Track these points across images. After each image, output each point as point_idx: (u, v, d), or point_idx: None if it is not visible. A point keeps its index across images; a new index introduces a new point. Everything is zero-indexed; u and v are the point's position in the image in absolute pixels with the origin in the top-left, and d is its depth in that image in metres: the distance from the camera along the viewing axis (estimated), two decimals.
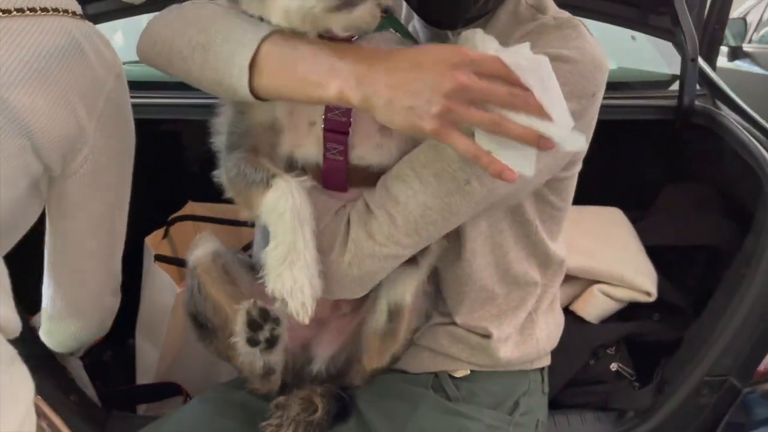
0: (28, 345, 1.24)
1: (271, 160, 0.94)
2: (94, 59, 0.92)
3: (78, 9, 0.93)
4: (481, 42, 0.82)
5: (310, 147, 0.93)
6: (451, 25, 0.98)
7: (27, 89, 0.84)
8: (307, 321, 0.87)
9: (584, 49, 0.91)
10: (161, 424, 1.09)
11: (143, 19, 2.56)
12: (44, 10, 0.87)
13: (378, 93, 0.78)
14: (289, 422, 1.03)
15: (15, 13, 0.85)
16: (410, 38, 0.98)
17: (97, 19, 1.62)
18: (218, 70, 0.88)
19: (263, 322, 0.96)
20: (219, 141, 0.99)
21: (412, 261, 0.98)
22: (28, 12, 0.86)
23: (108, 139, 0.98)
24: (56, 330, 1.13)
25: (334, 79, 0.81)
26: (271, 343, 0.98)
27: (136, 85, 1.64)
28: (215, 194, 1.04)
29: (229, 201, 1.03)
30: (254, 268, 1.10)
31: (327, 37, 0.86)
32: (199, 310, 1.07)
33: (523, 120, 0.75)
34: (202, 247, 1.09)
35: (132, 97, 1.56)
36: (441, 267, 1.08)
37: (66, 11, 0.90)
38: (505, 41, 0.85)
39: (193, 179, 2.03)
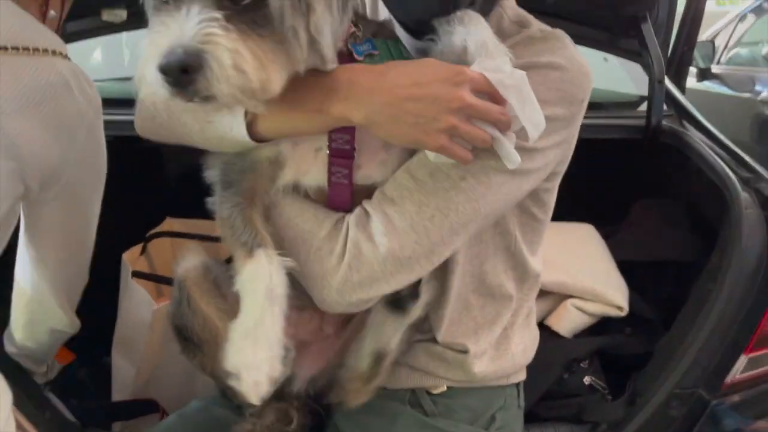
0: (2, 362, 1.24)
1: (261, 216, 0.94)
2: (78, 95, 1.05)
3: (65, 50, 1.07)
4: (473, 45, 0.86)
5: (315, 173, 0.93)
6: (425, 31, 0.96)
7: (22, 118, 0.96)
8: (256, 401, 0.86)
9: (572, 57, 0.94)
10: None
11: (123, 37, 2.56)
12: (37, 50, 1.00)
13: (382, 111, 0.81)
14: (262, 430, 1.03)
15: (11, 51, 0.97)
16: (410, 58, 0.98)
17: (77, 36, 1.63)
18: (218, 128, 0.90)
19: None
20: (211, 175, 0.97)
21: (400, 308, 0.98)
22: (22, 51, 0.98)
23: (85, 169, 1.12)
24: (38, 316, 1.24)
25: (333, 102, 0.83)
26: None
27: (115, 103, 1.66)
28: (193, 210, 1.04)
29: (207, 217, 1.03)
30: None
31: None
32: (186, 324, 1.06)
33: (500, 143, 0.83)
34: (191, 259, 1.08)
35: (112, 113, 1.58)
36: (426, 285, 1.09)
37: (56, 52, 1.03)
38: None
39: (172, 195, 2.04)
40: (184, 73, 0.70)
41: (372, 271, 0.90)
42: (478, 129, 0.81)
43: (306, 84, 0.84)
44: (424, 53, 0.92)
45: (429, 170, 0.90)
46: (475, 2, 0.95)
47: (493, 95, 0.81)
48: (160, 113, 0.99)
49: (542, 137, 0.90)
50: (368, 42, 0.94)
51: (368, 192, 0.94)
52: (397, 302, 0.97)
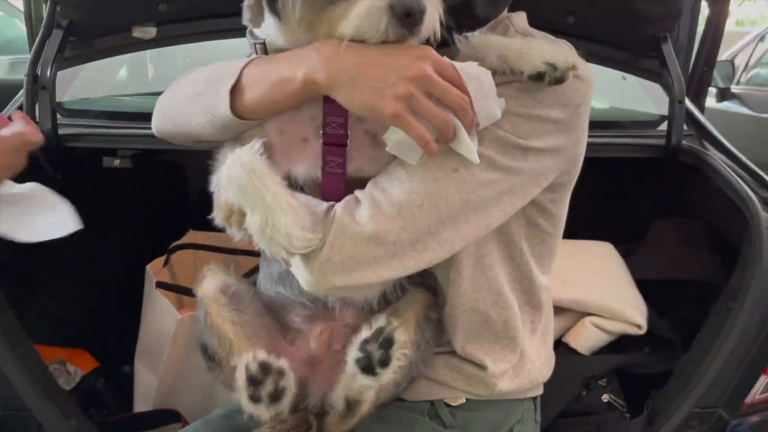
0: (31, 368, 1.27)
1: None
2: None
3: None
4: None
5: (306, 164, 0.94)
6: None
7: None
8: (300, 251, 0.87)
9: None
10: None
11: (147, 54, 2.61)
12: None
13: (344, 72, 0.84)
14: None
15: None
16: None
17: (108, 52, 1.68)
18: (209, 109, 0.94)
19: (264, 376, 0.96)
20: (214, 180, 0.98)
21: (370, 370, 0.97)
22: None
23: None
24: None
25: (301, 67, 0.86)
26: (275, 397, 0.97)
27: (140, 117, 1.71)
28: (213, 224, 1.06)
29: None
30: (263, 300, 1.13)
31: None
32: (206, 342, 1.08)
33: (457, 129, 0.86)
34: (211, 278, 1.11)
35: (137, 127, 1.62)
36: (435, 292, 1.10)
37: None
38: None
39: (194, 208, 2.07)
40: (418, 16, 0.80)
41: (354, 253, 0.89)
42: (435, 107, 0.83)
43: (280, 58, 0.90)
44: None
45: (420, 162, 0.90)
46: (472, 4, 0.98)
47: (455, 82, 0.84)
48: (169, 109, 1.04)
49: (536, 137, 0.93)
50: None
51: (361, 185, 0.94)
52: (369, 364, 0.97)
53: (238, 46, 2.29)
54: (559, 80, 0.91)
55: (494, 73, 0.90)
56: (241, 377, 0.97)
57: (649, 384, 1.47)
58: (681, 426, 1.31)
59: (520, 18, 1.07)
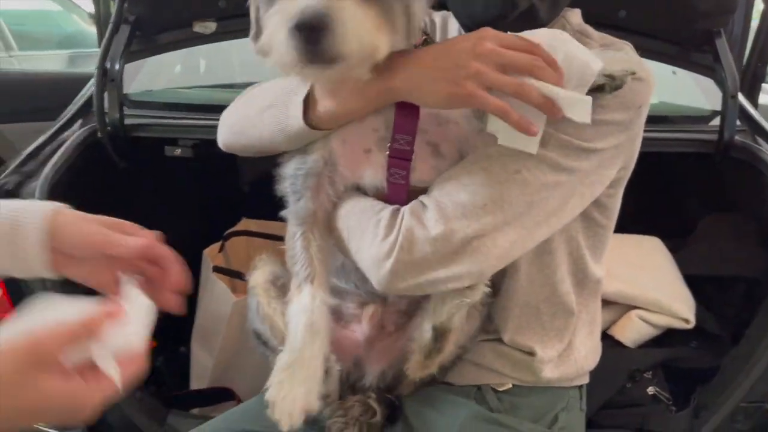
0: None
1: (317, 247, 1.00)
2: None
3: None
4: None
5: (370, 174, 0.98)
6: None
7: None
8: (285, 430, 0.93)
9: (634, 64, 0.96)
10: (223, 419, 1.17)
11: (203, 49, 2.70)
12: None
13: (416, 73, 0.87)
14: (354, 422, 1.08)
15: None
16: None
17: (171, 46, 1.76)
18: (281, 119, 0.98)
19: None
20: (283, 187, 1.04)
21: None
22: None
23: None
24: None
25: (375, 76, 0.88)
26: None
27: (199, 108, 1.78)
28: (267, 212, 1.10)
29: (280, 219, 1.09)
30: None
31: None
32: (259, 328, 1.14)
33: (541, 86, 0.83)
34: (261, 269, 1.16)
35: (196, 118, 1.70)
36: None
37: None
38: None
39: (247, 198, 2.15)
40: (312, 32, 0.77)
41: (424, 254, 0.91)
42: (506, 76, 0.83)
43: None
44: None
45: (482, 166, 0.92)
46: (535, 6, 0.99)
47: (521, 47, 0.84)
48: (237, 123, 1.09)
49: (599, 140, 0.94)
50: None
51: (424, 193, 0.97)
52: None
53: None
54: (618, 87, 0.92)
55: None
56: None
57: (696, 378, 1.48)
58: (727, 420, 1.32)
59: (576, 15, 1.09)
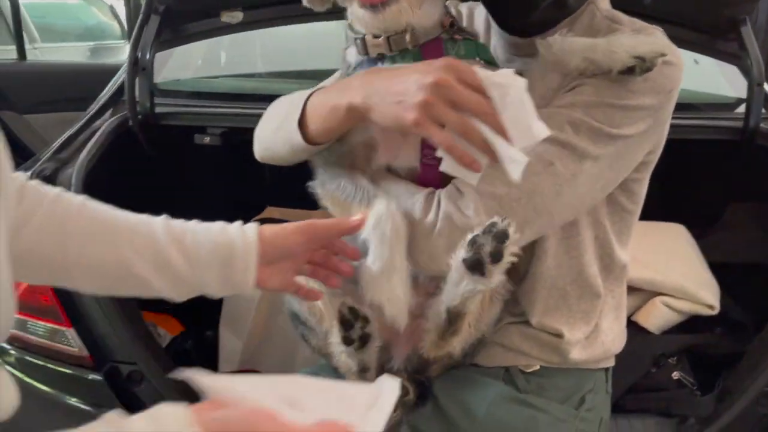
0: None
1: (368, 177, 1.03)
2: None
3: None
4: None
5: (405, 155, 1.02)
6: (525, 31, 1.06)
7: None
8: (402, 327, 0.99)
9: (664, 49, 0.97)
10: None
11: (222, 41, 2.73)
12: None
13: (375, 93, 0.89)
14: None
15: None
16: (494, 64, 1.06)
17: (199, 36, 1.79)
18: (287, 141, 1.03)
19: (354, 320, 1.02)
20: (316, 160, 1.08)
21: (478, 269, 0.95)
22: None
23: None
24: None
25: (345, 95, 0.93)
26: (364, 340, 1.04)
27: (223, 97, 1.82)
28: (290, 200, 1.11)
29: (303, 207, 1.13)
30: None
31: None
32: (297, 310, 1.16)
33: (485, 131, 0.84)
34: None
35: (222, 107, 1.73)
36: (513, 269, 1.16)
37: None
38: None
39: (270, 186, 2.19)
40: None
41: (459, 240, 0.94)
42: (454, 113, 0.84)
43: (332, 87, 1.00)
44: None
45: None
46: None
47: (476, 88, 0.84)
48: (263, 140, 1.14)
49: (629, 125, 0.96)
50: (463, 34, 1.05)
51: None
52: (478, 260, 0.94)
53: (308, 31, 2.39)
54: (649, 69, 0.93)
55: (581, 74, 0.95)
56: (335, 320, 1.03)
57: (720, 364, 1.50)
58: (751, 404, 1.34)
59: (605, 2, 1.09)
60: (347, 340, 1.04)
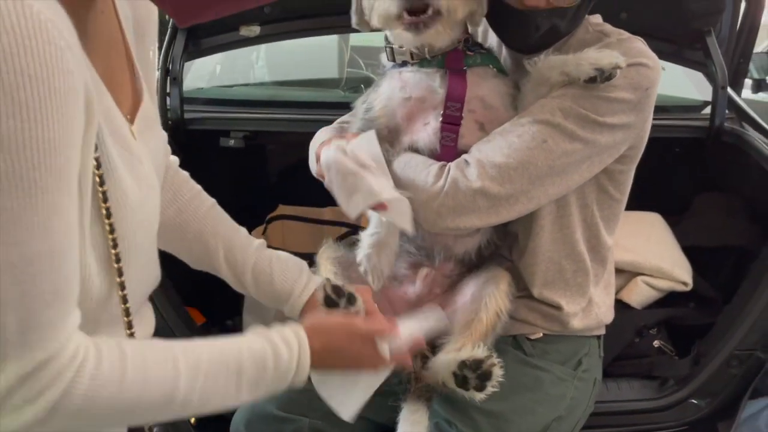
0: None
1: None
2: None
3: None
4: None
5: (425, 139, 1.21)
6: (527, 49, 1.24)
7: None
8: (376, 287, 1.19)
9: (641, 53, 1.16)
10: None
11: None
12: None
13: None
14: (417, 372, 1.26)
15: None
16: (503, 72, 1.25)
17: (218, 49, 1.93)
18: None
19: (338, 298, 1.06)
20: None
21: (464, 384, 1.15)
22: None
23: None
24: None
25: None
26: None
27: (243, 103, 1.96)
28: (299, 199, 1.22)
29: (312, 204, 1.27)
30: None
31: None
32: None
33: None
34: (328, 247, 1.36)
35: (236, 112, 1.88)
36: (516, 247, 1.32)
37: None
38: None
39: (281, 185, 2.33)
40: None
41: (465, 201, 1.13)
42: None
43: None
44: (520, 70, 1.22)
45: (517, 133, 1.14)
46: (555, 24, 1.18)
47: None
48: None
49: (611, 115, 1.13)
50: (478, 47, 1.24)
51: None
52: (464, 384, 1.15)
53: (308, 43, 2.53)
54: (609, 78, 1.11)
55: (563, 85, 1.15)
56: (320, 298, 1.08)
57: (694, 333, 1.68)
58: (723, 365, 1.52)
59: (596, 16, 1.28)
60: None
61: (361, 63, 3.08)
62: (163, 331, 1.51)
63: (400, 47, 1.22)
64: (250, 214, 2.13)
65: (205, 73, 3.03)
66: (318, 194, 1.39)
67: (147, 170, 0.83)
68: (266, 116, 1.96)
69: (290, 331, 0.91)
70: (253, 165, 2.20)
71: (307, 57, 2.82)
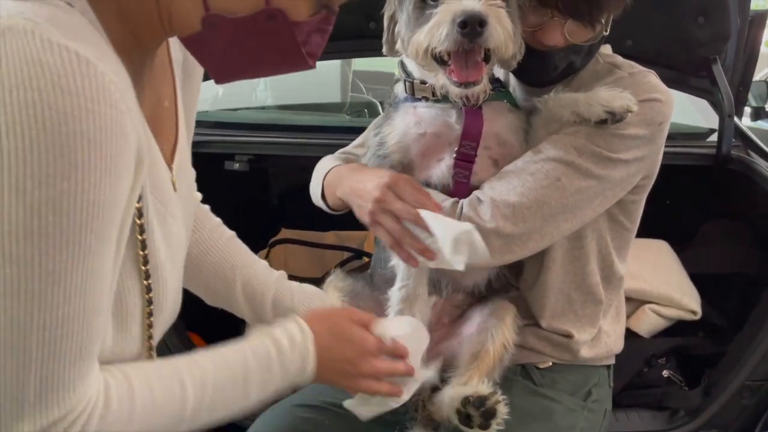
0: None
1: None
2: None
3: None
4: None
5: (439, 175, 1.19)
6: (540, 84, 1.24)
7: None
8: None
9: (653, 89, 1.15)
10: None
11: None
12: None
13: (347, 194, 1.21)
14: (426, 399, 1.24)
15: None
16: (516, 106, 1.23)
17: None
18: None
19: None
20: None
21: (468, 422, 1.13)
22: None
23: None
24: None
25: (338, 189, 1.24)
26: None
27: (247, 126, 1.95)
28: (302, 223, 1.23)
29: (315, 228, 1.26)
30: (377, 279, 1.35)
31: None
32: None
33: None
34: (336, 275, 1.36)
35: (241, 135, 1.87)
36: (524, 279, 1.31)
37: None
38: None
39: (281, 209, 2.32)
40: (476, 26, 0.99)
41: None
42: (392, 222, 1.11)
43: (334, 178, 1.29)
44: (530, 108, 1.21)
45: (530, 171, 1.12)
46: (572, 61, 1.18)
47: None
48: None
49: (625, 151, 1.13)
50: (497, 82, 1.23)
51: None
52: (467, 422, 1.13)
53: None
54: (619, 120, 1.11)
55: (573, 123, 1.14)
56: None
57: (704, 363, 1.66)
58: (735, 396, 1.50)
59: (606, 48, 1.28)
60: None
61: (362, 87, 3.09)
62: (163, 354, 1.51)
63: (422, 83, 1.18)
64: (253, 237, 2.10)
65: (208, 95, 3.04)
66: (321, 218, 1.39)
67: (178, 229, 0.84)
68: (271, 140, 1.96)
69: (292, 322, 0.92)
70: (257, 188, 2.18)
71: (309, 80, 2.82)
